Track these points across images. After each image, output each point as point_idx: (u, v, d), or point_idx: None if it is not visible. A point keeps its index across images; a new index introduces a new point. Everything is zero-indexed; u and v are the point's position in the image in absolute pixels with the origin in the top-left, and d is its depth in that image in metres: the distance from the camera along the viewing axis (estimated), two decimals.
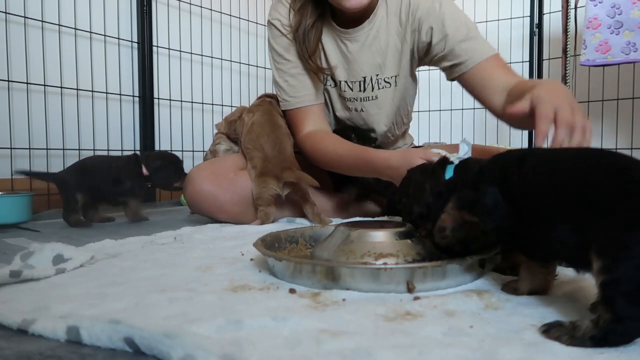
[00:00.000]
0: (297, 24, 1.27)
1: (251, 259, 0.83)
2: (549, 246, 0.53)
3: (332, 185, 1.56)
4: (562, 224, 0.50)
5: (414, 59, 1.32)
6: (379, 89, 1.33)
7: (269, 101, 1.42)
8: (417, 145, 1.67)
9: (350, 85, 1.33)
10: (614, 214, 0.45)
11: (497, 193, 0.56)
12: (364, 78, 1.32)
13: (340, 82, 1.34)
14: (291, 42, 1.31)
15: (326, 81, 1.37)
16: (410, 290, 0.62)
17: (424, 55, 1.30)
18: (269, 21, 1.35)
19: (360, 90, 1.34)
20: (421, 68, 1.41)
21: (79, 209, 1.36)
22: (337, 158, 1.24)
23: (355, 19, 1.28)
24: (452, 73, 1.25)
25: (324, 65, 1.34)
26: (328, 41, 1.32)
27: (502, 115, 1.15)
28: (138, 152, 1.60)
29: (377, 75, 1.32)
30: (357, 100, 1.35)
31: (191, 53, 2.23)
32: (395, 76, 1.33)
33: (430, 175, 0.68)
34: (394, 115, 1.39)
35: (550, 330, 0.47)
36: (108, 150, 1.91)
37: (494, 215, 0.57)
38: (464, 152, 0.95)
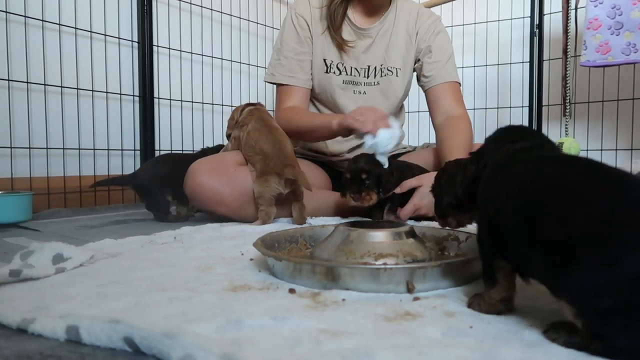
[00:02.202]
0: (330, 2, 1.47)
1: (251, 259, 0.83)
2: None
3: (331, 185, 1.56)
4: (533, 251, 0.47)
5: (413, 64, 1.56)
6: (381, 76, 1.52)
7: (256, 108, 1.44)
8: (414, 146, 1.72)
9: (358, 71, 1.52)
10: (580, 256, 0.42)
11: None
12: (368, 67, 1.51)
13: (351, 68, 1.51)
14: (298, 34, 1.49)
15: (329, 69, 1.50)
16: (410, 290, 0.62)
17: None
18: (289, 10, 1.55)
19: (365, 76, 1.52)
20: None
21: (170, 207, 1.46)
22: (304, 127, 1.42)
23: (375, 8, 1.49)
24: (422, 86, 1.56)
25: (337, 59, 1.50)
26: (345, 34, 1.50)
27: (435, 129, 1.50)
28: (206, 148, 1.73)
29: (381, 64, 1.52)
30: (362, 85, 1.53)
31: (191, 53, 2.23)
32: (398, 69, 1.52)
33: (462, 169, 0.69)
34: (393, 105, 1.55)
35: (548, 331, 0.47)
36: (108, 149, 1.91)
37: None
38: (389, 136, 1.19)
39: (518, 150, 0.56)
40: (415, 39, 1.53)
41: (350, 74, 1.51)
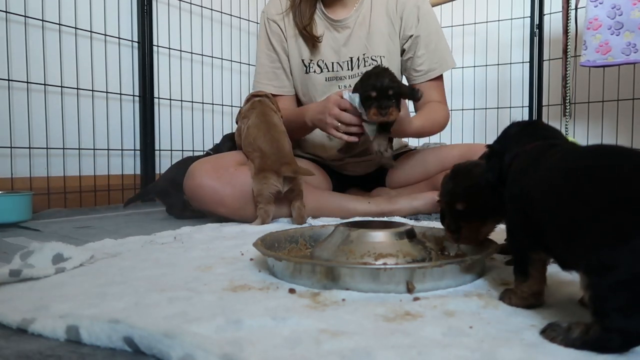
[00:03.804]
0: (293, 2, 1.46)
1: (251, 259, 0.83)
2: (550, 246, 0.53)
3: (331, 186, 1.56)
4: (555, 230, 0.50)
5: (400, 50, 1.50)
6: (365, 66, 1.46)
7: (259, 100, 1.41)
8: (414, 146, 1.70)
9: (341, 65, 1.48)
10: (595, 229, 0.44)
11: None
12: (351, 58, 1.47)
13: (332, 63, 1.47)
14: (270, 41, 1.49)
15: (309, 69, 1.48)
16: (410, 290, 0.62)
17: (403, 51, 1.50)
18: (261, 15, 1.53)
19: (349, 69, 1.48)
20: None
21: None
22: (288, 121, 1.42)
23: None
24: (408, 79, 1.53)
25: (315, 57, 1.47)
26: (320, 28, 1.46)
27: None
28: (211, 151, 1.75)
29: (363, 54, 1.47)
30: (347, 78, 1.48)
31: (191, 53, 2.23)
32: (382, 56, 1.47)
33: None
34: None
35: (546, 331, 0.47)
36: (108, 149, 1.91)
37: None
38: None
39: (552, 144, 0.59)
40: (401, 25, 1.46)
41: (332, 70, 1.48)
